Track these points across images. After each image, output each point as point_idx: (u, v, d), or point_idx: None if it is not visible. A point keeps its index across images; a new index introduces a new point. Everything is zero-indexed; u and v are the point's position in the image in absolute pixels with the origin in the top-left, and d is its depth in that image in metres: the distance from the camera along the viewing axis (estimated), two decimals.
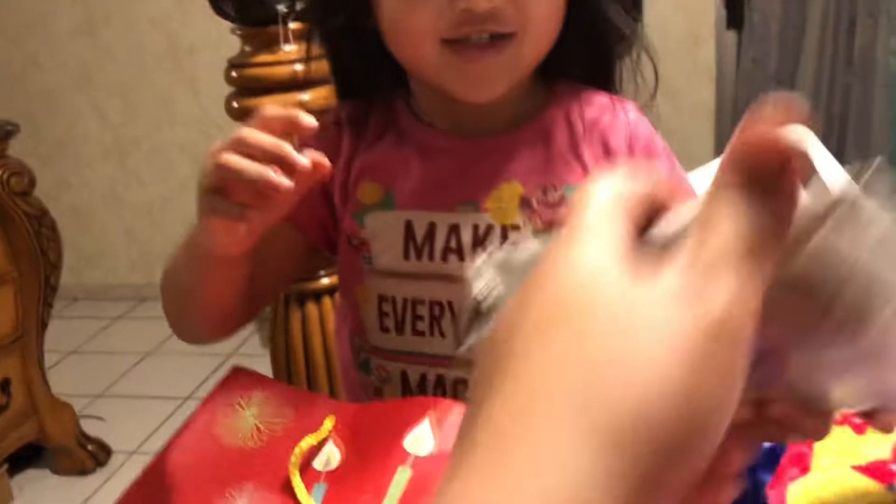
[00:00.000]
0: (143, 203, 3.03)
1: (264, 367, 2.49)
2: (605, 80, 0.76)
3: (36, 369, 1.98)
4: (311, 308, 1.33)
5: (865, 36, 2.18)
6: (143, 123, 2.94)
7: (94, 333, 2.84)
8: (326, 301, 1.35)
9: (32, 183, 1.91)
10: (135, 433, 2.20)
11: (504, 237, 0.71)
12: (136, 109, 2.93)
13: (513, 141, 0.73)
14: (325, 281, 1.33)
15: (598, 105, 0.74)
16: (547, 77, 0.76)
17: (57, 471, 2.05)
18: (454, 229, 0.71)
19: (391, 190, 0.74)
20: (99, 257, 3.09)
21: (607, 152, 0.73)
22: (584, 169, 0.72)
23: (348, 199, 0.75)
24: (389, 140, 0.75)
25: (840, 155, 1.73)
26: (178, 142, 2.94)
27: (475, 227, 0.71)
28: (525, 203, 0.72)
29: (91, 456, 2.05)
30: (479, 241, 0.71)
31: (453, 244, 0.71)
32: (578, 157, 0.73)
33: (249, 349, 2.67)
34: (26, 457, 2.08)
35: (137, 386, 2.47)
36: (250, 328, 2.75)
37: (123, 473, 2.04)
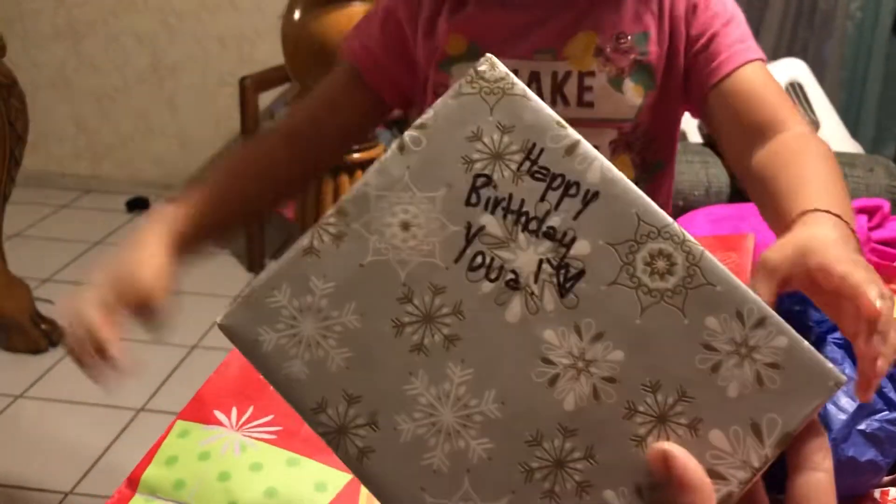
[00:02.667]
0: (93, 90, 2.93)
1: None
2: None
3: None
4: (344, 179, 1.39)
5: (828, 1, 2.30)
6: (100, 7, 2.83)
7: (38, 220, 2.77)
8: (358, 174, 1.43)
9: (3, 49, 1.84)
10: None
11: (580, 83, 0.78)
12: None
13: None
14: (356, 156, 1.40)
15: None
16: None
17: (9, 348, 2.03)
18: (535, 76, 0.78)
19: (475, 41, 0.79)
20: (42, 143, 2.98)
21: (674, 1, 0.79)
22: (654, 17, 0.79)
23: (434, 51, 0.80)
24: None
25: None
26: (135, 30, 2.84)
27: (554, 74, 0.78)
28: (599, 51, 0.78)
29: (45, 335, 2.04)
30: (559, 87, 0.77)
31: (534, 89, 0.77)
32: (647, 5, 0.79)
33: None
34: None
35: (87, 274, 2.44)
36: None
37: None
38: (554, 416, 0.30)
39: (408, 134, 0.33)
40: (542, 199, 0.31)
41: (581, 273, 0.31)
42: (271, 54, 2.77)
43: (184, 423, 0.44)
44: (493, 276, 0.31)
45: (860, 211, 0.75)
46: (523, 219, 0.31)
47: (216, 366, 2.13)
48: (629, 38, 0.78)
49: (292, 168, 0.82)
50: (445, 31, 0.80)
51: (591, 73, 0.79)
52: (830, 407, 0.47)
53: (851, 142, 1.72)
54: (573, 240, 0.31)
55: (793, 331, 0.30)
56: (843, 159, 1.04)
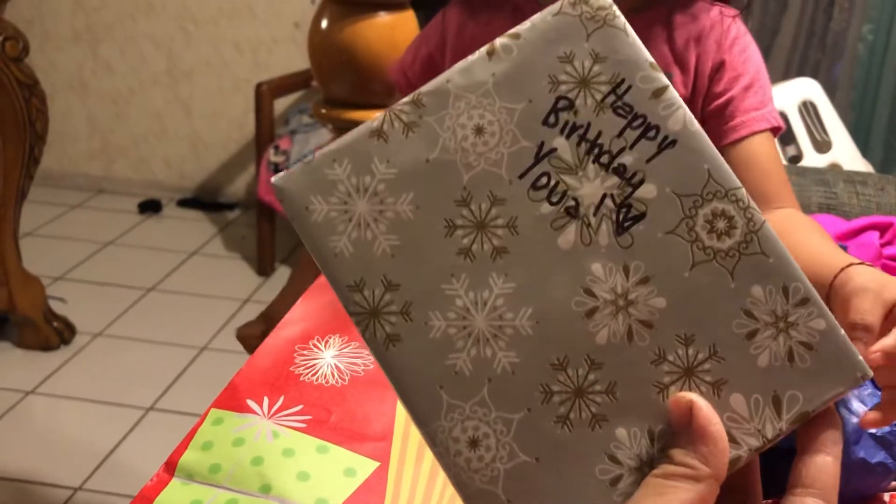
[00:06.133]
0: (109, 92, 2.96)
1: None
2: None
3: (11, 240, 1.97)
4: None
5: (841, 21, 2.32)
6: (118, 10, 2.86)
7: (51, 219, 2.79)
8: None
9: (26, 49, 1.87)
10: (98, 317, 2.21)
11: None
12: None
13: None
14: None
15: (700, 7, 0.82)
16: None
17: (21, 344, 2.06)
18: None
19: None
20: (57, 143, 3.02)
21: (700, 49, 0.80)
22: (678, 62, 0.81)
23: None
24: (506, 14, 0.82)
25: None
26: (153, 34, 2.88)
27: None
28: None
29: (56, 332, 2.06)
30: None
31: None
32: (673, 49, 0.81)
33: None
34: None
35: (99, 273, 2.46)
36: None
37: (87, 354, 2.06)
38: (584, 347, 0.30)
39: (500, 40, 0.32)
40: (620, 135, 0.31)
41: (642, 216, 0.30)
42: (287, 61, 2.80)
43: (218, 412, 0.45)
44: (554, 199, 0.31)
45: (873, 227, 0.77)
46: (596, 150, 0.31)
47: (225, 367, 2.15)
48: None
49: None
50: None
51: None
52: (843, 410, 0.49)
53: (862, 161, 1.73)
54: (641, 181, 0.31)
55: (832, 317, 0.30)
56: (855, 178, 1.06)
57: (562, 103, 0.31)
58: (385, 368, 0.30)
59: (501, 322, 0.30)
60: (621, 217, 0.30)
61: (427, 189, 0.31)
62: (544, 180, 0.31)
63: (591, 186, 0.31)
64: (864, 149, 2.29)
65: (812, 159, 1.68)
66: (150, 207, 2.89)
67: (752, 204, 0.31)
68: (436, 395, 0.30)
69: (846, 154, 1.70)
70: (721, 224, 0.30)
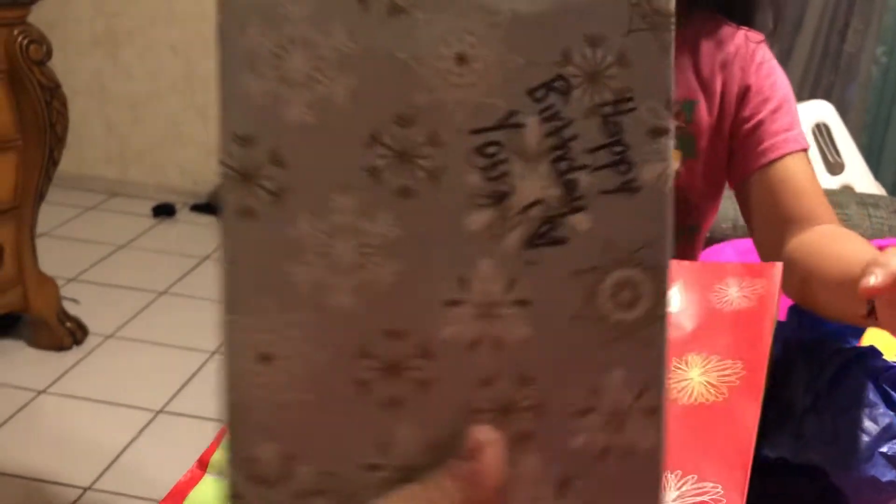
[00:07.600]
0: (127, 97, 3.00)
1: None
2: (744, 14, 0.85)
3: (28, 240, 1.99)
4: None
5: (854, 43, 2.34)
6: (138, 17, 2.90)
7: (65, 220, 2.82)
8: None
9: (49, 53, 1.91)
10: (111, 318, 2.23)
11: None
12: (133, 1, 2.89)
13: None
14: None
15: (726, 33, 0.84)
16: (688, 3, 0.83)
17: (34, 343, 2.08)
18: None
19: None
20: (74, 145, 3.05)
21: (726, 75, 0.82)
22: (704, 88, 0.82)
23: None
24: None
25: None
26: (171, 41, 2.91)
27: None
28: None
29: (69, 333, 2.08)
30: None
31: None
32: (699, 76, 0.82)
33: None
34: (3, 326, 2.09)
35: (112, 275, 2.49)
36: None
37: (99, 355, 2.08)
38: (425, 330, 0.27)
39: None
40: (593, 151, 0.27)
41: (561, 241, 0.27)
42: None
43: None
44: (490, 175, 0.27)
45: (884, 249, 0.79)
46: (559, 152, 0.27)
47: None
48: (677, 104, 0.81)
49: None
50: None
51: None
52: (854, 428, 0.50)
53: (875, 183, 1.75)
54: (581, 208, 0.27)
55: (663, 438, 0.28)
56: (867, 200, 1.07)
57: (559, 84, 0.27)
58: (224, 237, 0.27)
59: (363, 262, 0.27)
60: (541, 231, 0.27)
61: (374, 86, 0.26)
62: (492, 150, 0.26)
63: (531, 184, 0.26)
64: (877, 171, 2.30)
65: (825, 181, 1.69)
66: (164, 211, 2.92)
67: (669, 295, 0.28)
68: (258, 289, 0.27)
69: (859, 176, 1.71)
70: (626, 295, 0.27)
